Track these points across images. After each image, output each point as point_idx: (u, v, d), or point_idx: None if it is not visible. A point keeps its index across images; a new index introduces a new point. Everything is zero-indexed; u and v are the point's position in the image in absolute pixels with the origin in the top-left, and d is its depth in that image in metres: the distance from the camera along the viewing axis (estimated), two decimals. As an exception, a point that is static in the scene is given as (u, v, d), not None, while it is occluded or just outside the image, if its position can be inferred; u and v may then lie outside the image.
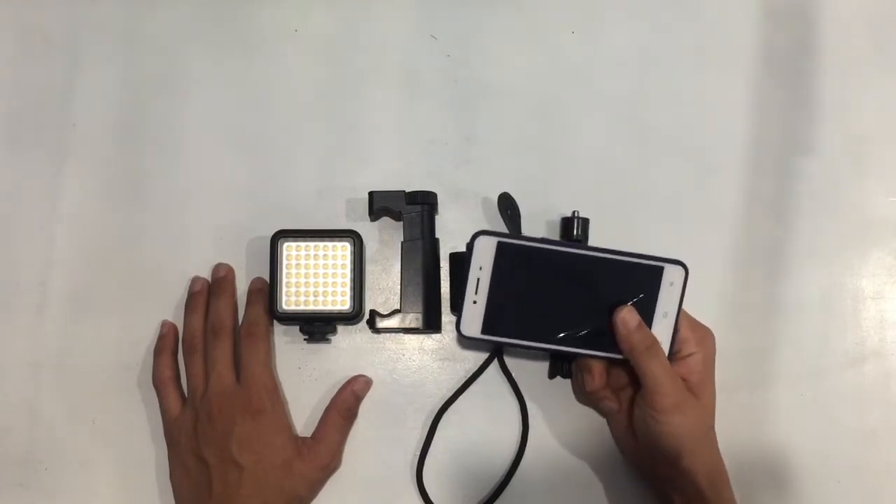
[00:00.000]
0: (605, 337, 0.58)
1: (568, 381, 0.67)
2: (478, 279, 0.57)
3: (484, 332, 0.57)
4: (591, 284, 0.58)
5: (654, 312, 0.58)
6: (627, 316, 0.57)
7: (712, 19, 0.73)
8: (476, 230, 0.68)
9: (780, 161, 0.71)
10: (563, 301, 0.58)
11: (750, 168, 0.70)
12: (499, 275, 0.57)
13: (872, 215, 0.70)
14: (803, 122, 0.71)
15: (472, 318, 0.57)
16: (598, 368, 0.60)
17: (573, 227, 0.65)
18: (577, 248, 0.58)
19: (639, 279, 0.58)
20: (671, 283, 0.58)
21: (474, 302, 0.57)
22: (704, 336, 0.60)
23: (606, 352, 0.59)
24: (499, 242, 0.57)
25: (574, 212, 0.62)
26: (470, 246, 0.57)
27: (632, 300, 0.58)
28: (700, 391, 0.59)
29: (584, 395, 0.63)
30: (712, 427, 0.60)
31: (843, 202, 0.70)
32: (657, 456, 0.58)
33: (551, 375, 0.66)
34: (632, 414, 0.61)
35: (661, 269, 0.58)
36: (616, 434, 0.64)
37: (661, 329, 0.58)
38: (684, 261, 0.58)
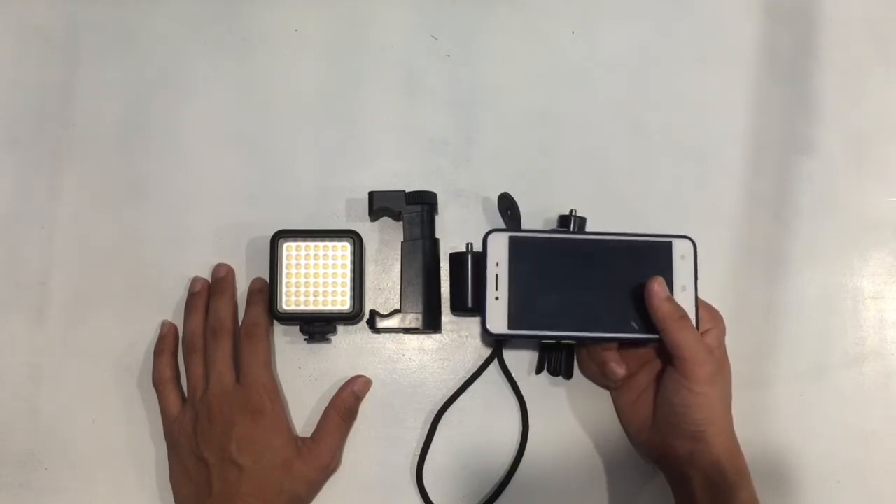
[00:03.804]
0: (631, 318, 0.59)
1: (568, 381, 0.67)
2: (496, 275, 0.57)
3: (511, 327, 0.58)
4: (607, 269, 0.59)
5: (672, 287, 0.59)
6: (658, 287, 0.57)
7: (712, 19, 0.73)
8: (474, 230, 0.69)
9: (780, 161, 0.71)
10: (584, 288, 0.58)
11: (750, 168, 0.71)
12: (516, 269, 0.57)
13: (872, 215, 0.70)
14: (803, 122, 0.71)
15: (496, 315, 0.57)
16: None
17: (570, 226, 0.65)
18: (585, 234, 0.59)
19: (651, 257, 0.59)
20: (682, 257, 0.59)
21: (496, 298, 0.57)
22: (715, 314, 0.61)
23: (634, 333, 0.59)
24: (510, 237, 0.58)
25: (571, 210, 0.62)
26: (483, 244, 0.58)
27: (648, 278, 0.58)
28: (721, 364, 0.60)
29: (592, 363, 0.63)
30: (730, 401, 0.61)
31: (843, 202, 0.70)
32: (681, 430, 0.58)
33: (538, 371, 0.67)
34: (645, 395, 0.62)
35: (670, 244, 0.59)
36: (625, 416, 0.64)
37: (683, 302, 0.59)
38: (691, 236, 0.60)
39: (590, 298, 0.58)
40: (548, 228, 0.59)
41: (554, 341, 0.63)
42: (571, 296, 0.58)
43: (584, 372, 0.66)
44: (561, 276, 0.58)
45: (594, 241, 0.59)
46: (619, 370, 0.61)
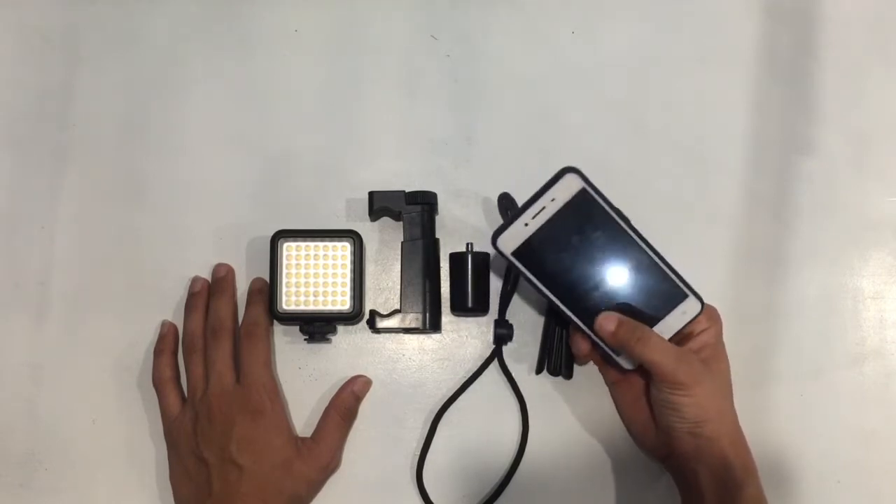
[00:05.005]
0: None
1: (568, 381, 0.67)
2: (543, 207, 0.56)
3: (514, 254, 0.57)
4: (626, 273, 0.58)
5: (652, 327, 0.59)
6: (604, 322, 0.58)
7: (712, 19, 0.73)
8: (474, 230, 0.69)
9: (780, 161, 0.71)
10: (594, 270, 0.58)
11: (750, 168, 0.70)
12: (563, 216, 0.56)
13: (872, 215, 0.70)
14: (803, 122, 0.71)
15: (512, 237, 0.56)
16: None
17: None
18: (640, 238, 0.58)
19: (663, 292, 0.59)
20: (683, 313, 0.59)
21: (526, 224, 0.56)
22: (711, 313, 0.61)
23: (602, 342, 0.59)
24: (583, 188, 0.56)
25: None
26: (556, 176, 0.56)
27: (641, 305, 0.58)
28: (716, 361, 0.60)
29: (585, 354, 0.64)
30: (731, 395, 0.61)
31: (843, 202, 0.70)
32: (680, 430, 0.58)
33: (538, 371, 0.67)
34: (645, 395, 0.62)
35: (684, 296, 0.59)
36: (626, 416, 0.64)
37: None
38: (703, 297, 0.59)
39: (592, 284, 0.58)
40: (616, 207, 0.57)
41: (536, 291, 0.61)
42: (581, 270, 0.58)
43: (578, 361, 0.66)
44: (588, 249, 0.57)
45: (637, 245, 0.57)
46: (583, 345, 0.61)
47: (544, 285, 0.58)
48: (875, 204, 0.71)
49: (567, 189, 0.56)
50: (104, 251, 0.69)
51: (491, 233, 0.56)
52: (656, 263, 0.58)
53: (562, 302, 0.58)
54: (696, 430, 0.58)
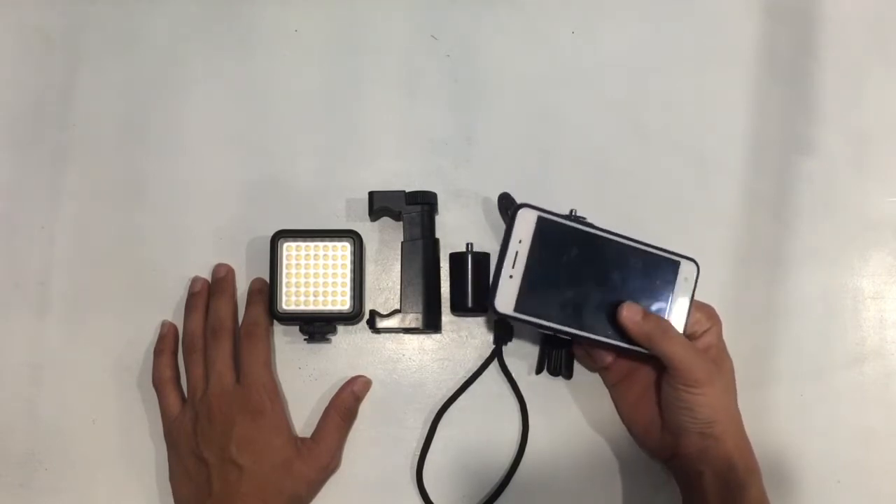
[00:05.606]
0: None
1: (568, 381, 0.67)
2: (516, 252, 0.55)
3: (517, 309, 0.55)
4: (619, 272, 0.58)
5: (669, 305, 0.59)
6: (628, 312, 0.57)
7: (712, 19, 0.73)
8: (474, 230, 0.68)
9: (780, 161, 0.71)
10: (593, 287, 0.58)
11: (750, 168, 0.71)
12: (536, 251, 0.56)
13: (872, 215, 0.70)
14: (803, 122, 0.71)
15: (506, 294, 0.55)
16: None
17: None
18: (611, 234, 0.58)
19: (659, 272, 0.59)
20: (685, 279, 0.59)
21: (510, 276, 0.55)
22: (711, 312, 0.62)
23: (630, 343, 0.58)
24: (539, 217, 0.56)
25: (572, 210, 0.62)
26: (511, 217, 0.55)
27: (650, 291, 0.58)
28: (720, 361, 0.61)
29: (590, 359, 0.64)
30: (736, 396, 0.61)
31: (843, 202, 0.70)
32: (689, 429, 0.58)
33: (538, 371, 0.67)
34: (647, 395, 0.62)
35: (678, 264, 0.59)
36: (627, 417, 0.64)
37: (674, 319, 0.59)
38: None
39: (597, 298, 0.58)
40: (575, 216, 0.57)
41: (552, 333, 0.61)
42: (580, 292, 0.57)
43: (582, 362, 0.66)
44: (575, 269, 0.57)
45: (613, 242, 0.58)
46: (607, 357, 0.62)
47: (563, 325, 0.57)
48: (875, 204, 0.71)
49: (527, 224, 0.55)
50: (104, 251, 0.69)
51: (491, 232, 0.56)
52: (638, 248, 0.58)
53: (580, 330, 0.57)
54: (706, 430, 0.58)
